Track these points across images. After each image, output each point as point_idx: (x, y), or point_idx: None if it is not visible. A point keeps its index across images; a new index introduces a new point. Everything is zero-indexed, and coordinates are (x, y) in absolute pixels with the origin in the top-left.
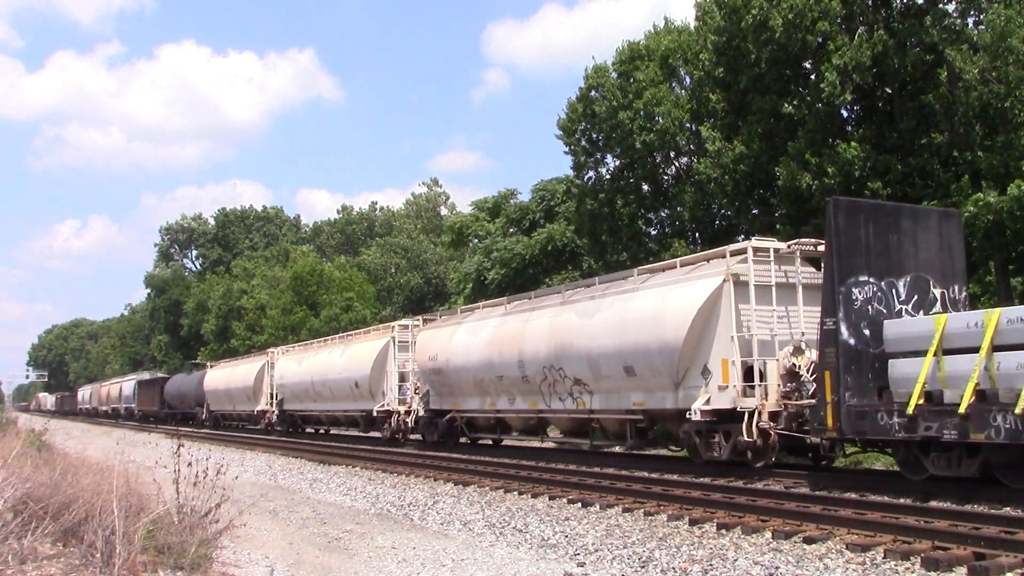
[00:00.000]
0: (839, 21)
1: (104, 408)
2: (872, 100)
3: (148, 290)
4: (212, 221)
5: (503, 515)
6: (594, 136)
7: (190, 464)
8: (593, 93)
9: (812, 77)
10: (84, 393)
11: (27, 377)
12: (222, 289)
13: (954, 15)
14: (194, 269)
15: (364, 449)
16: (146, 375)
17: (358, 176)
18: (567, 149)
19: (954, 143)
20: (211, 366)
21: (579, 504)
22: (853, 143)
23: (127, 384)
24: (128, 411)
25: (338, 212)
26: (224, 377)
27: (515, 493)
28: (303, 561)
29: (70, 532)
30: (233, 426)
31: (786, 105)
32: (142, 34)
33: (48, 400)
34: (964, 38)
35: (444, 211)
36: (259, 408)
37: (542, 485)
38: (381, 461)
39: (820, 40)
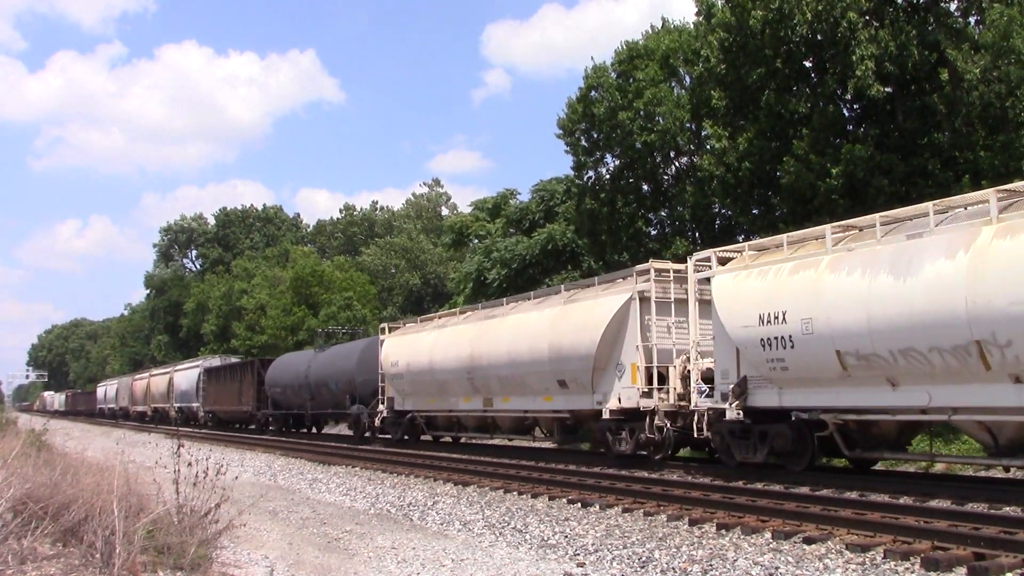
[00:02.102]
0: (864, 13)
1: (140, 409)
2: (875, 99)
3: (148, 290)
4: (212, 221)
5: (503, 515)
6: (594, 136)
7: (190, 464)
8: (593, 93)
9: (815, 76)
10: (107, 390)
11: (27, 377)
12: (222, 289)
13: (956, 15)
14: (194, 269)
15: (363, 449)
16: (216, 360)
17: (358, 176)
18: (567, 149)
19: (955, 143)
20: (387, 330)
21: (579, 504)
22: (858, 144)
23: (184, 374)
24: (185, 413)
25: (340, 212)
26: (463, 341)
27: (515, 493)
28: (303, 561)
29: (70, 532)
30: (485, 447)
31: (795, 102)
32: (143, 35)
33: (56, 400)
34: (966, 38)
35: (445, 211)
36: (612, 405)
37: (542, 485)
38: (380, 461)
39: (848, 31)
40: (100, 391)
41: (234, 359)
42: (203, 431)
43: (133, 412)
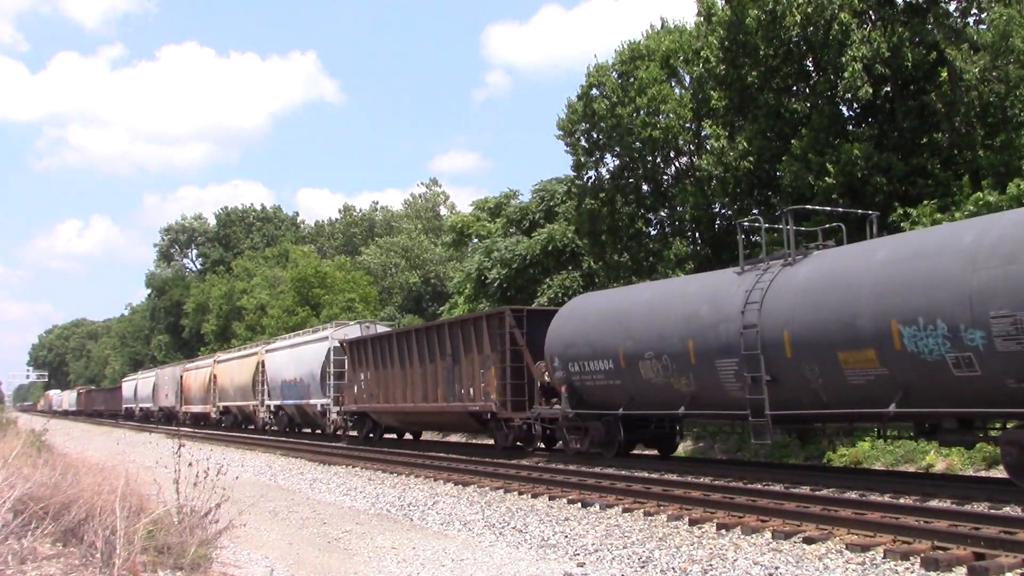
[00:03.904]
0: (856, 15)
1: (197, 409)
2: (873, 99)
3: (148, 290)
4: (213, 221)
5: (503, 515)
6: (594, 136)
7: (190, 464)
8: (594, 91)
9: (815, 76)
10: (139, 385)
11: (27, 377)
12: (223, 289)
13: (955, 14)
14: (194, 269)
15: (363, 448)
16: (354, 329)
17: (358, 176)
18: (567, 149)
19: (955, 142)
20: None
21: (579, 504)
22: (856, 143)
23: (288, 355)
24: (290, 415)
25: (339, 212)
26: None
27: (515, 493)
28: (303, 561)
29: (70, 532)
30: None
31: (794, 102)
32: (145, 36)
33: (64, 399)
34: (965, 37)
35: (443, 211)
36: None
37: (542, 485)
38: (381, 461)
39: (840, 33)
40: (128, 387)
41: (382, 327)
42: (236, 434)
43: (185, 414)
